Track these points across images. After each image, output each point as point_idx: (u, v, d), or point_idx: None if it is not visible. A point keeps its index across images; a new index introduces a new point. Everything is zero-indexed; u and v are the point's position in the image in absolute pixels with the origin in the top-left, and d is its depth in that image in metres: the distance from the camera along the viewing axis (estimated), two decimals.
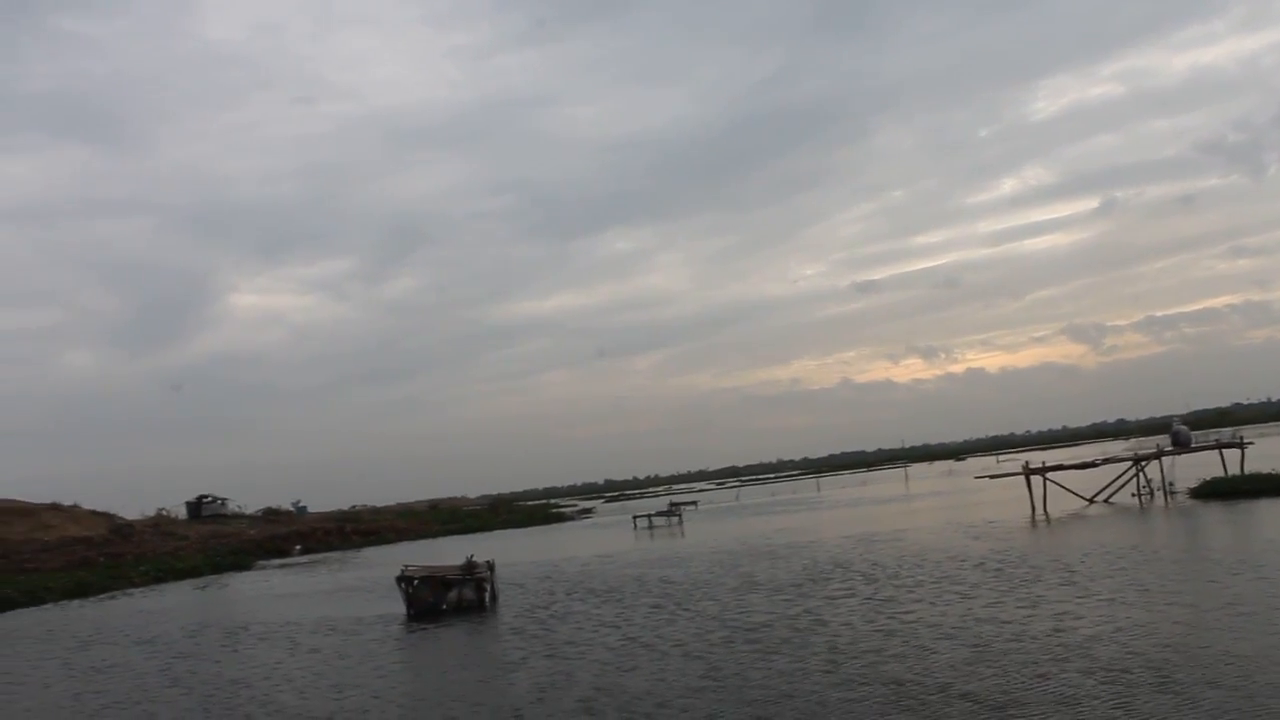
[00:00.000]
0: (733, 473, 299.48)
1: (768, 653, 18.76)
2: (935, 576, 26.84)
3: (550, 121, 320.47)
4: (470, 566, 33.48)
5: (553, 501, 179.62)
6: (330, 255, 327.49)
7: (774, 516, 68.94)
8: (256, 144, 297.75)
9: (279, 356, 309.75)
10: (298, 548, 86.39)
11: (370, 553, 77.20)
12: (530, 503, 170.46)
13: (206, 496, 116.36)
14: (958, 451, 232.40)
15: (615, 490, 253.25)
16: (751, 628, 21.79)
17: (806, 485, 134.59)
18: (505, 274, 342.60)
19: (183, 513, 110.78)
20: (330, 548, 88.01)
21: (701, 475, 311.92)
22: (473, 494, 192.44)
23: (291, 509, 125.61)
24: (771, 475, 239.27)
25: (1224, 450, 48.71)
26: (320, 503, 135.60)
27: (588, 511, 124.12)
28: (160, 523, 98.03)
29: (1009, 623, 19.03)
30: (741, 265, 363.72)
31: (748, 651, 19.07)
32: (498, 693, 18.01)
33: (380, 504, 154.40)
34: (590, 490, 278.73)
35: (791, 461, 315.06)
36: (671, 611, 25.97)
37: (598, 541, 62.71)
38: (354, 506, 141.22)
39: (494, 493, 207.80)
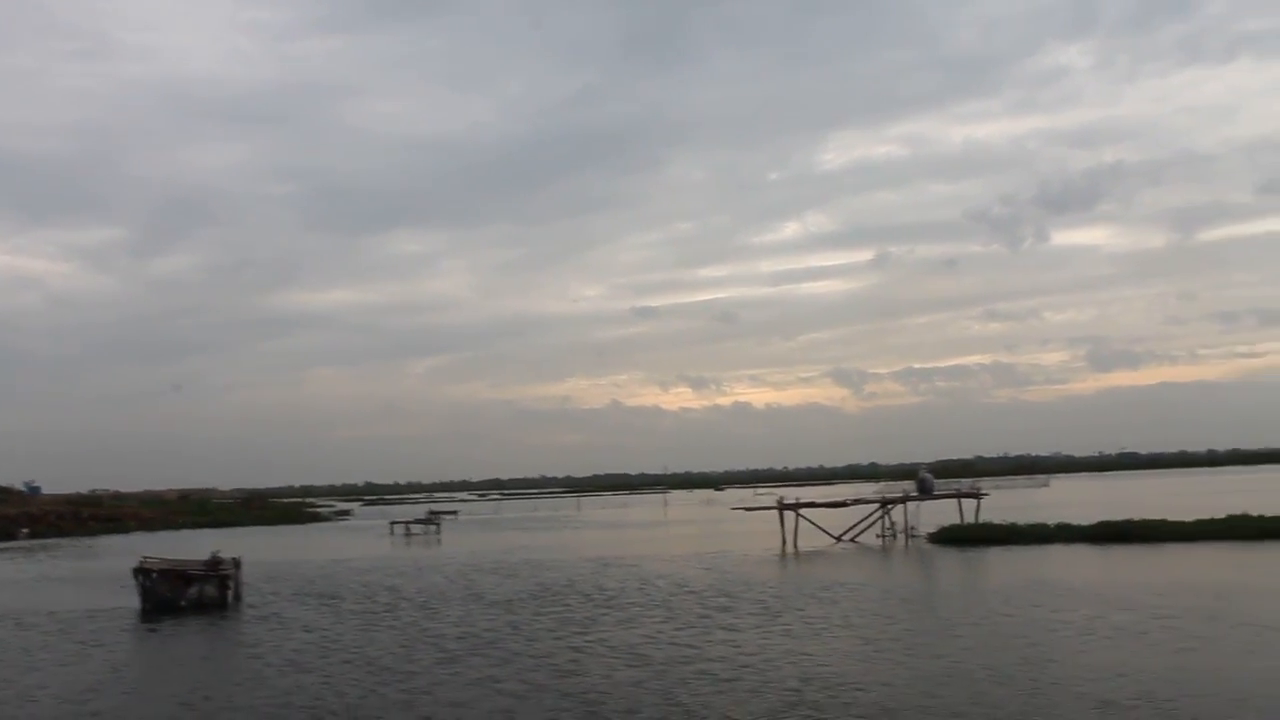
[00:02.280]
0: (496, 485, 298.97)
1: (448, 661, 20.50)
2: (646, 602, 28.64)
3: (349, 113, 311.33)
4: (214, 562, 32.69)
5: (310, 501, 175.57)
6: (99, 223, 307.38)
7: (529, 533, 69.99)
8: (27, 93, 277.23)
9: (27, 323, 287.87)
10: (24, 531, 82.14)
11: (109, 541, 74.33)
12: (286, 500, 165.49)
13: None
14: (718, 481, 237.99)
15: (376, 494, 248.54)
16: (440, 638, 23.43)
17: (568, 504, 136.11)
18: (286, 263, 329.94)
19: None
20: (63, 533, 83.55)
21: (464, 485, 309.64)
22: (226, 486, 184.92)
23: (22, 488, 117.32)
24: (534, 490, 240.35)
25: (962, 499, 52.00)
26: (57, 484, 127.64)
27: (345, 514, 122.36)
28: None
29: (685, 646, 21.11)
30: (526, 279, 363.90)
31: (429, 661, 20.65)
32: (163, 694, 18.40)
33: (126, 490, 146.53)
34: (349, 492, 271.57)
35: (556, 478, 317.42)
36: (379, 618, 27.38)
37: (351, 545, 62.30)
38: (95, 491, 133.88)
39: (249, 487, 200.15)
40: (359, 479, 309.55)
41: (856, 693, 16.16)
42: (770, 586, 31.29)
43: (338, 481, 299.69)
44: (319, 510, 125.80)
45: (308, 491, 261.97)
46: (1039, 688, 15.97)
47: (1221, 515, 44.29)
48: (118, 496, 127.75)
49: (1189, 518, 44.82)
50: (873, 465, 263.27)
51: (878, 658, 19.13)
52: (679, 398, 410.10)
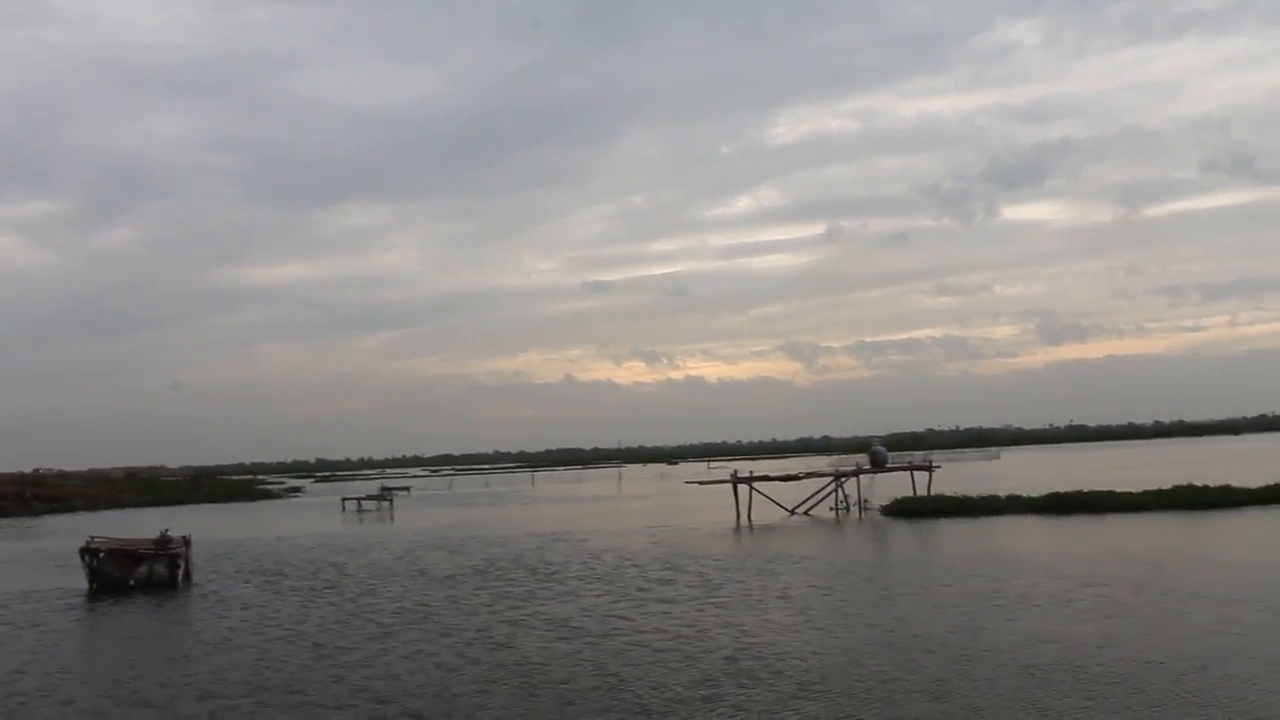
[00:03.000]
0: (449, 461, 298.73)
1: (384, 636, 20.95)
2: (589, 576, 29.09)
3: (295, 83, 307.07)
4: (164, 541, 32.46)
5: (260, 478, 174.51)
6: (37, 195, 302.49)
7: (481, 508, 70.38)
8: None
9: None
10: None
11: (54, 521, 73.61)
12: (236, 478, 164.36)
13: None
14: (672, 456, 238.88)
15: (328, 470, 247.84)
16: (378, 614, 23.83)
17: (521, 479, 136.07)
18: (233, 236, 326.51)
19: None
20: (6, 514, 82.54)
21: (417, 461, 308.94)
22: (175, 464, 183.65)
23: None
24: (488, 466, 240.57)
25: (915, 472, 52.67)
26: None
27: (296, 491, 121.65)
28: None
29: (621, 618, 21.57)
30: (478, 253, 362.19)
31: (364, 636, 21.05)
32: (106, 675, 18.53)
33: (71, 469, 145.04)
34: (301, 469, 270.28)
35: (509, 454, 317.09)
36: (319, 594, 27.78)
37: (301, 522, 62.29)
38: (39, 470, 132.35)
39: (199, 464, 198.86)
40: (310, 455, 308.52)
41: (789, 661, 16.61)
42: (715, 560, 31.68)
43: (289, 458, 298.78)
44: (270, 487, 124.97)
45: (259, 469, 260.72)
46: (967, 654, 16.51)
47: (1168, 486, 45.00)
48: (62, 475, 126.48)
49: (1136, 489, 45.47)
50: (825, 439, 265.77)
51: (810, 628, 19.55)
52: (632, 372, 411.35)
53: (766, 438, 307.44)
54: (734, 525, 45.35)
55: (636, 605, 23.30)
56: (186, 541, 33.25)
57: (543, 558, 34.70)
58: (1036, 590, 22.72)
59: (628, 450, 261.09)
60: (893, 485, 53.28)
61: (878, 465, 53.19)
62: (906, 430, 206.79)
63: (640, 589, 25.89)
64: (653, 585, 26.45)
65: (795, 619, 20.69)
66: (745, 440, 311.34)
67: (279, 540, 47.80)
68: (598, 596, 24.98)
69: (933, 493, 49.47)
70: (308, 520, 64.51)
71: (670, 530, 43.69)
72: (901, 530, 40.01)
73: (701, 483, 58.06)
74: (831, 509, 49.70)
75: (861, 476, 51.68)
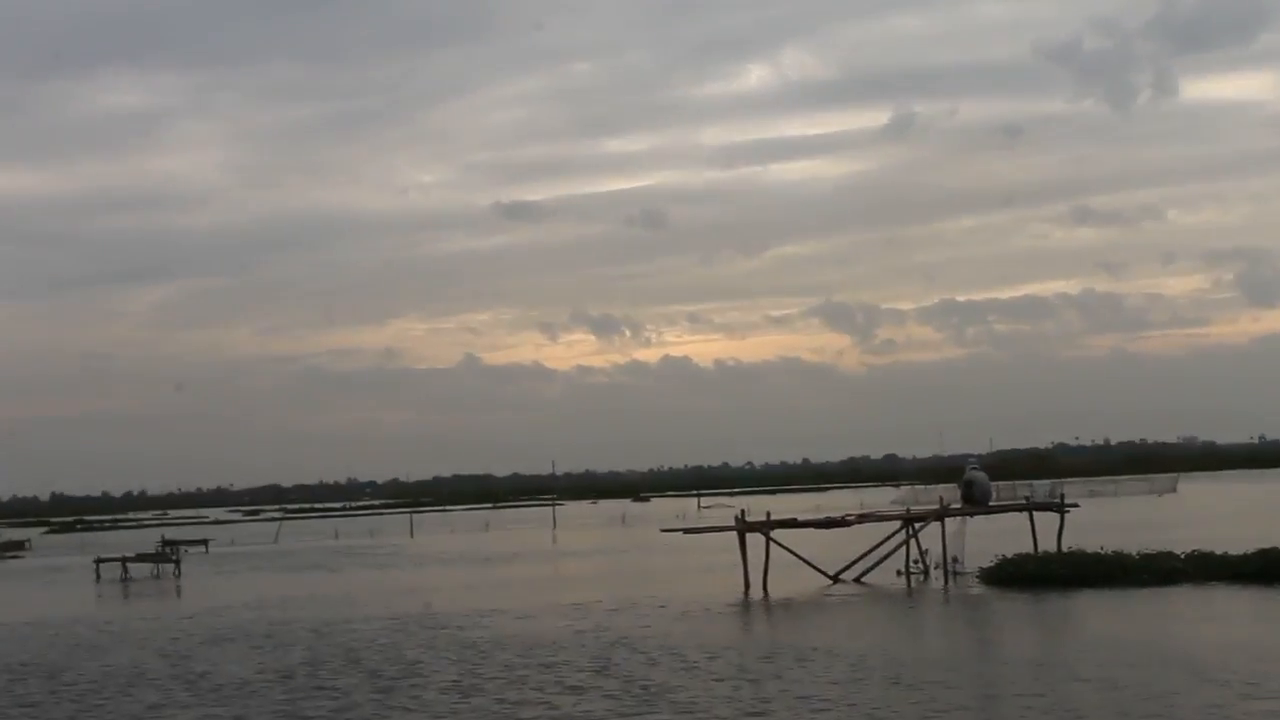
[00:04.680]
0: (274, 496, 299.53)
1: None
2: (464, 687, 28.21)
3: None
4: None
5: None
6: None
7: (321, 574, 71.06)
8: None
9: None
10: None
11: None
12: None
13: None
14: (640, 487, 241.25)
15: (71, 514, 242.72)
16: None
17: (394, 525, 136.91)
18: None
19: None
20: None
21: (222, 497, 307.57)
22: None
23: None
24: (339, 505, 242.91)
25: (1037, 513, 51.67)
26: None
27: (16, 546, 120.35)
28: None
29: None
30: (322, 154, 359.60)
31: None
32: None
33: None
34: (27, 511, 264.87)
35: (373, 484, 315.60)
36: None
37: (21, 600, 61.47)
38: None
39: None
40: (43, 489, 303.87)
41: None
42: (693, 666, 30.03)
43: (5, 495, 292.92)
44: None
45: None
46: None
47: None
48: None
49: None
50: (890, 458, 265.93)
51: None
52: (574, 349, 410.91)
53: (794, 458, 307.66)
54: (738, 599, 45.05)
55: None
56: None
57: (398, 655, 34.14)
58: None
59: (569, 478, 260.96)
60: (1000, 534, 52.79)
61: (975, 501, 51.98)
62: (1022, 445, 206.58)
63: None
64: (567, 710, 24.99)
65: None
66: (759, 462, 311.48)
67: None
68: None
69: (1066, 547, 48.55)
70: (33, 596, 64.03)
71: (626, 609, 43.00)
72: (1016, 611, 39.51)
73: (688, 530, 57.59)
74: (900, 572, 49.36)
75: (948, 520, 50.79)
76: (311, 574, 71.39)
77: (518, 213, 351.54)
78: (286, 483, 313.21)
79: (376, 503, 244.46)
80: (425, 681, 29.38)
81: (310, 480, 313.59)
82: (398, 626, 41.39)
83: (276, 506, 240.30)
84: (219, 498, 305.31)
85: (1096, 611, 37.98)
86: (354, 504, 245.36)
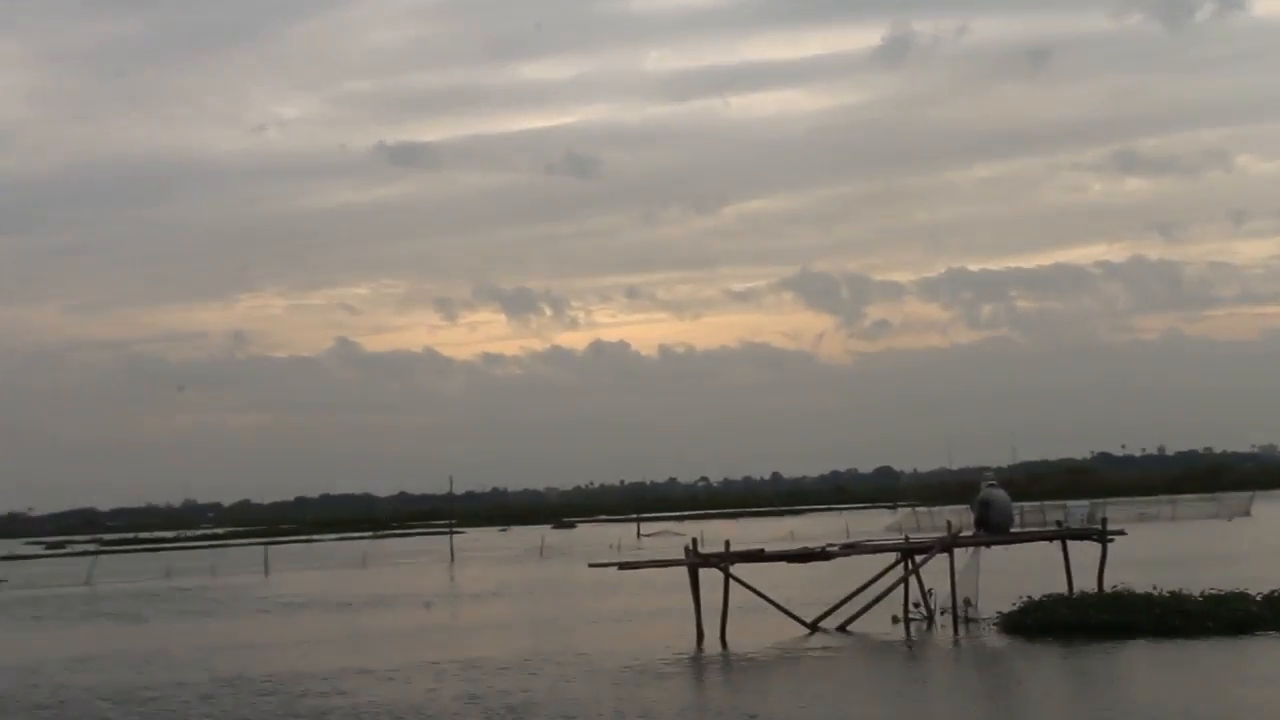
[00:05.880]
0: (88, 521, 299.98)
1: None
2: None
3: None
4: None
5: None
6: None
7: (140, 626, 70.78)
8: None
9: None
10: None
11: None
12: None
13: None
14: (561, 509, 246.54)
15: None
16: None
17: (246, 560, 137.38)
18: None
19: None
20: None
21: (16, 524, 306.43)
22: None
23: None
24: (172, 535, 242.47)
25: (1070, 541, 52.01)
26: None
27: None
28: None
29: None
30: (151, 81, 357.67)
31: None
32: None
33: None
34: None
35: (216, 506, 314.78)
36: None
37: None
38: None
39: None
40: None
41: None
42: None
43: None
44: None
45: None
46: None
47: None
48: None
49: None
50: (883, 473, 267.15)
51: None
52: (478, 333, 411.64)
53: (761, 472, 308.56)
54: (688, 654, 45.19)
55: None
56: None
57: None
58: None
59: (472, 498, 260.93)
60: (1024, 570, 53.59)
61: (993, 528, 51.96)
62: (1053, 456, 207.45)
63: None
64: None
65: None
66: (716, 478, 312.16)
67: None
68: None
69: (1110, 586, 48.98)
70: None
71: (537, 668, 43.13)
72: (1045, 669, 39.50)
73: (624, 565, 57.18)
74: (897, 618, 49.60)
75: (957, 552, 50.89)
76: (127, 624, 71.35)
77: (407, 157, 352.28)
78: (103, 506, 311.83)
79: (220, 531, 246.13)
80: None
81: (134, 503, 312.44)
82: (223, 693, 41.24)
83: (89, 538, 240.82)
84: (12, 525, 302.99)
85: (1148, 670, 38.10)
86: (191, 533, 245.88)
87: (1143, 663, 39.31)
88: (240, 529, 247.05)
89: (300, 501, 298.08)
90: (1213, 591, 46.41)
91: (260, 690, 41.50)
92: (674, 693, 37.70)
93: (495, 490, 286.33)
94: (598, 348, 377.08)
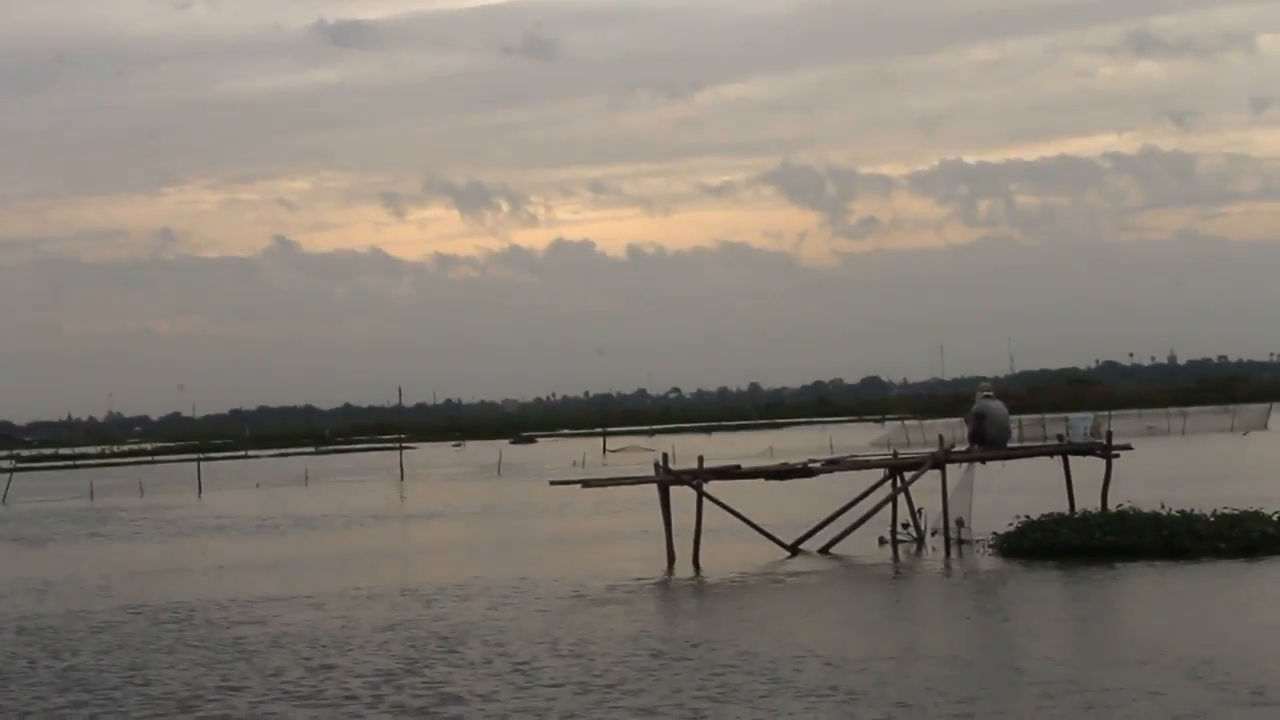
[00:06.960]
0: (3, 438, 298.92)
1: None
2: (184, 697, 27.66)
3: None
4: None
5: None
6: None
7: (57, 546, 71.05)
8: None
9: None
10: None
11: None
12: None
13: None
14: (520, 423, 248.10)
15: None
16: None
17: (178, 477, 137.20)
18: None
19: None
20: None
21: None
22: None
23: None
24: (96, 451, 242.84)
25: (1070, 458, 51.04)
26: None
27: None
28: None
29: None
30: None
31: None
32: None
33: None
34: None
35: (146, 420, 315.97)
36: None
37: None
38: None
39: None
40: None
41: None
42: (573, 675, 28.32)
43: None
44: None
45: None
46: None
47: None
48: None
49: None
50: (871, 383, 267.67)
51: None
52: (429, 231, 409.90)
53: (738, 383, 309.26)
54: (657, 577, 44.51)
55: None
56: None
57: (123, 658, 33.14)
58: None
59: (423, 411, 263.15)
60: (1022, 488, 53.11)
61: (988, 442, 50.69)
62: (1054, 366, 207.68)
63: None
64: None
65: None
66: (688, 389, 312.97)
67: None
68: None
69: (1115, 505, 47.50)
70: None
71: (474, 594, 42.21)
72: (1044, 594, 38.52)
73: (587, 483, 56.79)
74: (884, 540, 49.15)
75: (950, 468, 49.92)
76: (41, 548, 70.87)
77: (349, 37, 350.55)
78: (20, 420, 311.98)
79: (149, 447, 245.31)
80: (140, 693, 28.27)
81: (53, 417, 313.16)
82: (123, 622, 40.49)
83: (4, 454, 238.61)
84: None
85: (1155, 594, 37.36)
86: (117, 449, 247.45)
87: (1149, 587, 38.47)
88: (171, 444, 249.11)
89: (236, 415, 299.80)
90: (1225, 511, 45.47)
91: (164, 620, 40.70)
92: (621, 620, 36.48)
93: (448, 402, 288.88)
94: (559, 247, 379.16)
